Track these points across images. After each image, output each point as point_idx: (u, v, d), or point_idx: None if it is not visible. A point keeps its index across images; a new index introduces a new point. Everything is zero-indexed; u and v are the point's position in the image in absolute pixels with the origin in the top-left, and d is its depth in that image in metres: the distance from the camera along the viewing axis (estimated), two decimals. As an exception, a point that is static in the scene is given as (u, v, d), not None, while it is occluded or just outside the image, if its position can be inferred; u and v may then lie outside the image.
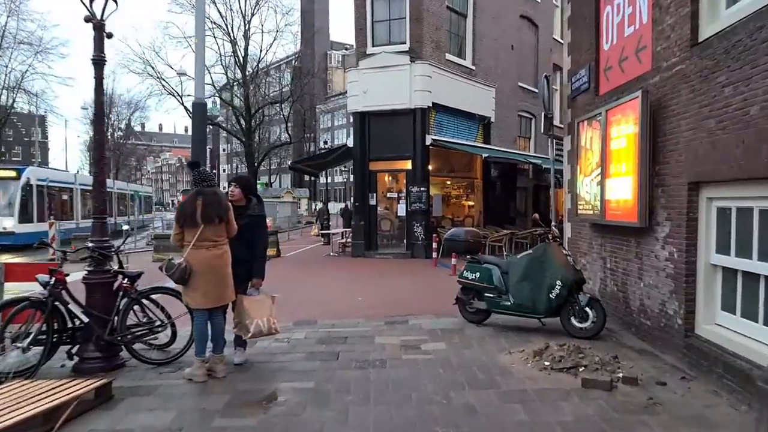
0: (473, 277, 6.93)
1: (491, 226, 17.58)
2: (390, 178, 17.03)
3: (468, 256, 7.40)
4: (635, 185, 5.63)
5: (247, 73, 37.24)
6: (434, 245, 13.83)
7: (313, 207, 56.47)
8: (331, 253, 16.75)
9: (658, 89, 5.48)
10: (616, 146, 6.10)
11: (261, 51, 38.20)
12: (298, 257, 16.90)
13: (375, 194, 15.79)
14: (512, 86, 19.58)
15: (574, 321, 6.10)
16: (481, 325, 6.82)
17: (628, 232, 6.10)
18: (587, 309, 6.03)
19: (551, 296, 6.11)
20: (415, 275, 12.11)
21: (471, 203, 19.12)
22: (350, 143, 15.81)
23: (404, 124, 15.38)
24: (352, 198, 16.07)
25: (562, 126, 24.67)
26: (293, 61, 49.22)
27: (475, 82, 17.04)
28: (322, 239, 20.77)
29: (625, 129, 5.89)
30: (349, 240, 16.28)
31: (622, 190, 5.94)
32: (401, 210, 15.70)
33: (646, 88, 5.57)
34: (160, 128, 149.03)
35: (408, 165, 15.43)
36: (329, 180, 69.68)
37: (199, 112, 8.60)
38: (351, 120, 15.74)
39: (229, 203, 5.03)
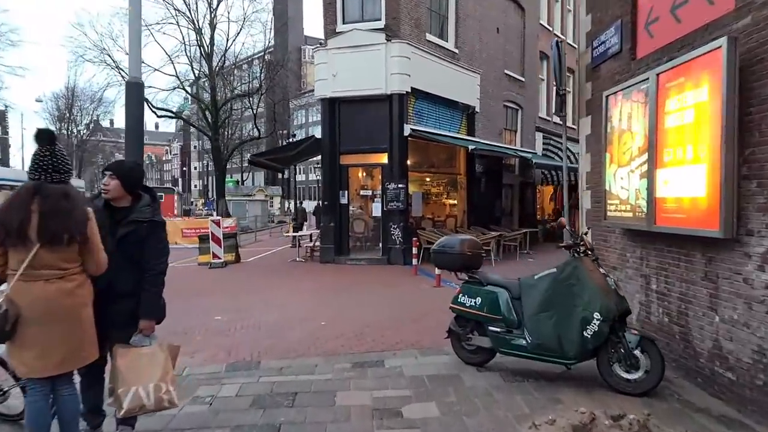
0: (472, 304, 5.16)
1: (476, 227, 15.87)
2: (364, 173, 15.15)
3: (465, 274, 5.59)
4: (713, 177, 3.87)
5: (213, 64, 34.95)
6: (414, 250, 12.00)
7: (287, 206, 54.26)
8: (298, 259, 14.82)
9: (748, 37, 3.74)
10: (675, 122, 4.34)
11: (228, 40, 35.75)
12: (259, 263, 14.91)
13: (346, 192, 13.91)
14: (498, 74, 17.89)
15: (618, 370, 4.33)
16: (483, 369, 5.03)
17: (692, 242, 4.35)
18: (637, 353, 4.26)
19: (586, 334, 4.33)
20: (393, 287, 10.27)
21: (453, 202, 17.36)
22: (319, 134, 13.90)
23: (379, 112, 13.54)
24: (321, 196, 14.23)
25: (548, 118, 23.18)
26: (264, 55, 46.93)
27: (458, 67, 15.27)
28: (292, 241, 18.77)
29: (692, 97, 4.13)
30: (317, 243, 14.36)
31: (688, 184, 4.18)
32: (376, 210, 13.85)
33: (732, 35, 3.82)
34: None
35: (384, 159, 13.59)
36: (306, 177, 67.65)
37: (133, 93, 6.58)
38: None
39: (89, 212, 3.07)
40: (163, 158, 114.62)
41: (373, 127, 13.59)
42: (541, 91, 21.30)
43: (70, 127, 67.44)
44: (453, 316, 5.40)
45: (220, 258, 13.93)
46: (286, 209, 53.77)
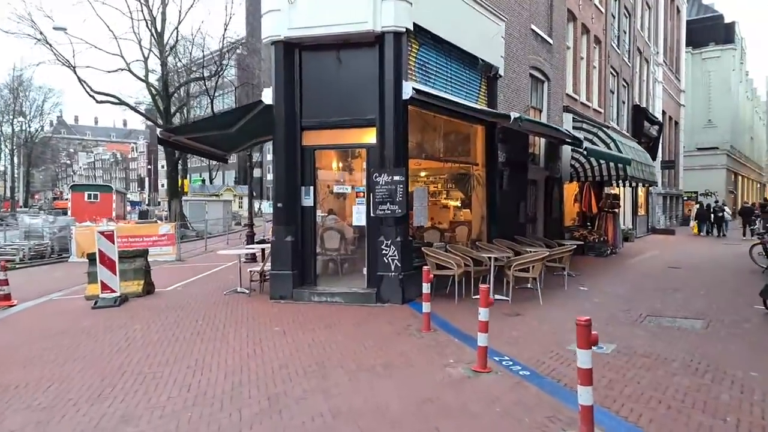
0: None
1: (500, 240, 11.08)
2: (339, 160, 10.27)
3: None
4: None
5: (165, 41, 29.66)
6: (425, 286, 7.07)
7: (258, 207, 48.97)
8: (239, 290, 9.81)
9: None
10: None
11: (180, 12, 30.49)
12: (179, 297, 9.84)
13: (313, 188, 9.00)
14: (523, 29, 13.17)
15: None
16: None
17: None
18: None
19: None
20: (389, 373, 5.37)
21: (467, 203, 12.57)
22: (267, 98, 8.95)
23: (363, 63, 8.70)
24: (272, 195, 9.28)
25: (575, 96, 18.32)
26: (238, 48, 41.62)
27: (480, 5, 10.46)
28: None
29: None
30: (267, 267, 9.39)
31: None
32: (359, 216, 8.97)
33: None
34: (96, 122, 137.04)
35: (370, 137, 8.73)
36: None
37: None
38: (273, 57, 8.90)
39: None
40: (129, 156, 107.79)
41: (354, 88, 8.73)
42: (568, 62, 16.63)
43: (15, 121, 61.13)
44: None
45: (113, 290, 8.87)
46: (257, 211, 48.45)
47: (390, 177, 8.47)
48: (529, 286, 9.79)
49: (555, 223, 15.59)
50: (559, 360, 5.53)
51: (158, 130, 9.23)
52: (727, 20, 42.32)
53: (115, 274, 8.91)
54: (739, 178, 48.14)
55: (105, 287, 8.86)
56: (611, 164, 15.03)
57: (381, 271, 8.53)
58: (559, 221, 15.93)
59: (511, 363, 5.42)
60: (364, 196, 8.87)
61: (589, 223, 17.70)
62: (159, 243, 17.09)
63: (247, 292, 9.62)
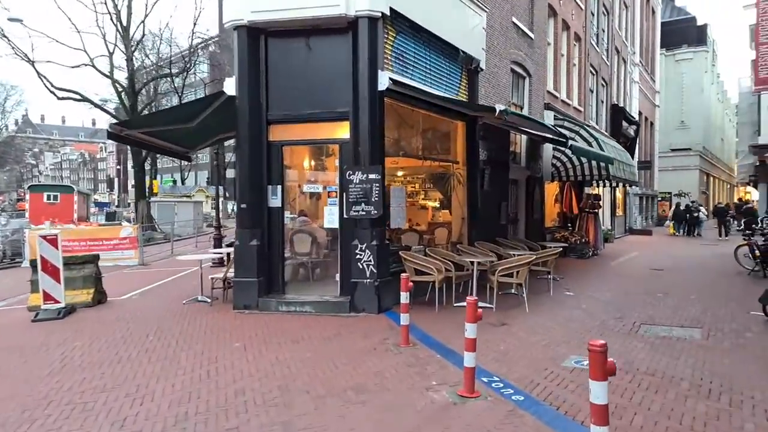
0: None
1: (481, 243, 10.48)
2: (310, 157, 9.55)
3: None
4: None
5: (131, 35, 28.39)
6: (403, 295, 6.35)
7: (231, 208, 47.68)
8: (200, 299, 8.98)
9: None
10: None
11: (147, 6, 29.30)
12: (134, 306, 8.97)
13: (281, 188, 8.24)
14: (504, 21, 12.62)
15: None
16: None
17: None
18: None
19: None
20: (369, 394, 4.66)
21: (446, 204, 11.96)
22: (230, 89, 8.15)
23: (335, 51, 7.99)
24: (236, 195, 8.45)
25: (556, 93, 17.75)
26: (210, 45, 40.31)
27: (459, -6, 9.85)
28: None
29: None
30: (230, 274, 8.57)
31: None
32: (331, 218, 8.24)
33: None
34: (63, 121, 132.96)
35: (343, 131, 8.01)
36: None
37: None
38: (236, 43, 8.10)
39: None
40: (97, 156, 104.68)
41: (326, 78, 8.01)
42: (548, 58, 16.17)
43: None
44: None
45: (56, 301, 7.97)
46: (230, 212, 47.22)
47: (365, 175, 7.77)
48: (513, 291, 9.21)
49: (536, 224, 15.09)
50: (555, 380, 4.90)
51: (108, 123, 8.31)
52: (699, 23, 42.77)
53: (59, 283, 8.00)
54: (711, 178, 48.78)
55: (47, 297, 7.95)
56: (593, 163, 14.61)
57: (355, 278, 7.82)
58: (540, 222, 15.45)
59: (501, 385, 4.77)
60: (336, 196, 8.15)
61: (569, 224, 17.29)
62: (120, 246, 16.07)
63: (209, 301, 8.79)
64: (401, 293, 6.12)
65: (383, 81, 7.73)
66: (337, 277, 8.15)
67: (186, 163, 57.38)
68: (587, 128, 15.23)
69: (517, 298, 8.79)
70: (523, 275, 8.20)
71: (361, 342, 6.31)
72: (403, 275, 6.17)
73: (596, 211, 17.03)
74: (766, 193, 30.47)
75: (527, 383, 4.81)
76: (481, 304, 8.22)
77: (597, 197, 17.47)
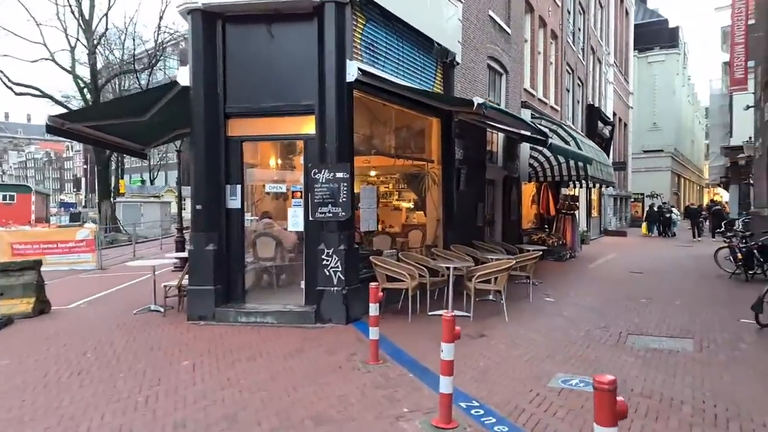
0: None
1: (457, 246, 9.95)
2: (274, 154, 8.88)
3: None
4: None
5: (93, 28, 27.13)
6: (373, 308, 5.70)
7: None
8: (153, 308, 8.20)
9: None
10: None
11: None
12: (79, 317, 8.15)
13: (240, 187, 7.54)
14: (481, 14, 12.11)
15: None
16: None
17: None
18: None
19: None
20: (331, 425, 4.02)
21: (416, 205, 11.41)
22: (184, 79, 7.42)
23: (300, 39, 7.34)
24: (191, 196, 7.71)
25: (533, 92, 17.21)
26: (181, 42, 39.04)
27: (434, -17, 9.29)
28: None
29: None
30: (185, 282, 7.80)
31: None
32: (295, 220, 7.58)
33: None
34: (29, 119, 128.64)
35: (309, 126, 7.36)
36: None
37: None
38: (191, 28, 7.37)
39: None
40: (64, 155, 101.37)
41: (290, 68, 7.36)
42: (525, 55, 15.76)
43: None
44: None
45: (-13, 315, 7.13)
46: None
47: (332, 174, 7.13)
48: (491, 298, 8.70)
49: (513, 226, 14.65)
50: (542, 405, 4.34)
51: (47, 115, 7.50)
52: (671, 25, 43.26)
53: (-11, 293, 7.16)
54: (682, 180, 49.45)
55: (-25, 310, 7.10)
56: (571, 164, 14.23)
57: (321, 285, 7.18)
58: (517, 224, 15.01)
59: (481, 412, 4.19)
60: (302, 197, 7.49)
61: (546, 226, 16.92)
62: (77, 250, 15.10)
63: (162, 311, 8.03)
64: (370, 304, 5.50)
65: (351, 71, 7.12)
66: (302, 284, 7.50)
67: (155, 162, 55.80)
68: (565, 127, 14.88)
69: (495, 306, 8.27)
70: (503, 281, 7.67)
71: (326, 359, 5.67)
72: (373, 285, 5.55)
73: (573, 212, 16.70)
74: (737, 194, 30.89)
75: (511, 409, 4.24)
76: (457, 312, 7.69)
77: (574, 198, 17.15)
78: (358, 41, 7.62)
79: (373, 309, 5.48)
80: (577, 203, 17.22)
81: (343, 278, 7.11)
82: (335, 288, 7.12)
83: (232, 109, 7.45)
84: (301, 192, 7.49)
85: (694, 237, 25.44)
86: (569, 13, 19.99)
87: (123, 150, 10.31)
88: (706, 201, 52.25)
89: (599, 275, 12.58)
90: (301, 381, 4.98)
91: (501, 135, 13.73)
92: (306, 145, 7.45)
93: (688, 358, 5.64)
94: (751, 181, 24.01)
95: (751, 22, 18.52)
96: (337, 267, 7.12)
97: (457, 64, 10.26)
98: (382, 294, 5.67)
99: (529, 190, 16.80)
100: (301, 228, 7.50)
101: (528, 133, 10.05)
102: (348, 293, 7.13)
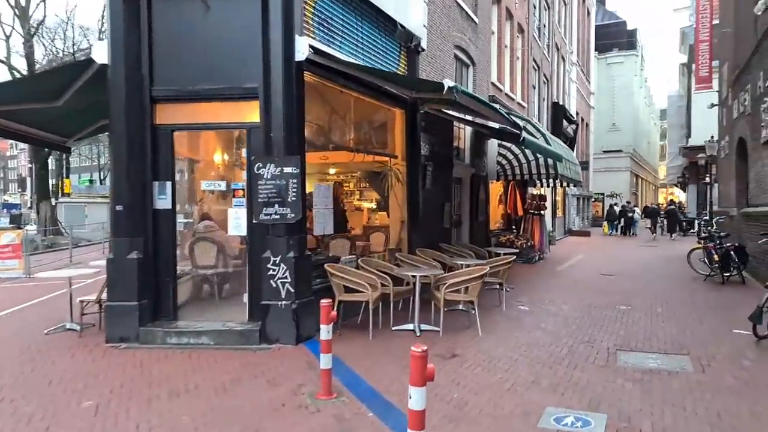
0: None
1: (423, 250, 9.06)
2: (212, 145, 7.77)
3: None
4: None
5: (30, 14, 25.10)
6: (324, 331, 4.67)
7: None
8: (69, 326, 6.94)
9: None
10: None
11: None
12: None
13: (171, 184, 6.40)
14: (448, 0, 11.23)
15: None
16: None
17: None
18: None
19: None
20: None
21: (379, 205, 10.47)
22: (101, 56, 6.23)
23: (241, 10, 6.26)
24: (111, 194, 6.56)
25: (500, 86, 16.24)
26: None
27: (397, -43, 8.35)
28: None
29: None
30: (104, 296, 6.61)
31: None
32: (237, 222, 6.49)
33: None
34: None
35: (252, 113, 6.29)
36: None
37: None
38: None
39: None
40: (8, 154, 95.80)
41: (229, 45, 6.27)
42: (492, 48, 15.04)
43: None
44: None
45: None
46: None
47: (279, 169, 6.09)
48: (461, 308, 7.83)
49: (481, 227, 13.89)
50: (535, 457, 3.44)
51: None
52: (629, 27, 43.80)
53: None
54: (640, 180, 50.25)
55: None
56: (541, 161, 13.58)
57: (267, 299, 6.13)
58: (485, 225, 14.26)
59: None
60: (244, 195, 6.42)
61: (514, 227, 16.27)
62: (1, 256, 13.54)
63: (79, 329, 6.79)
64: (321, 326, 4.50)
65: (301, 49, 6.10)
66: (245, 298, 6.43)
67: (104, 160, 52.94)
68: (533, 123, 14.23)
69: (466, 317, 7.40)
70: (476, 291, 6.79)
71: (268, 393, 4.64)
72: (324, 302, 4.54)
73: (542, 212, 16.09)
74: (695, 194, 31.28)
75: (497, 465, 3.32)
76: (424, 327, 6.79)
77: (542, 198, 16.54)
78: (310, 16, 6.60)
79: (325, 332, 4.49)
80: (545, 203, 16.62)
81: (292, 290, 6.08)
82: (283, 302, 6.09)
83: (161, 93, 6.31)
84: (243, 190, 6.42)
85: (652, 236, 25.78)
86: (535, 8, 19.45)
87: (42, 143, 8.97)
88: (661, 201, 53.45)
89: (571, 279, 11.92)
90: (231, 427, 3.94)
91: (468, 130, 12.94)
92: (249, 135, 6.38)
93: (693, 382, 4.87)
94: (709, 181, 24.21)
95: (715, 22, 18.42)
96: (286, 277, 6.09)
97: (423, 50, 9.37)
98: (335, 314, 4.68)
99: (496, 189, 16.11)
100: (243, 232, 6.43)
101: (497, 126, 9.24)
102: (298, 308, 6.11)
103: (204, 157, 7.82)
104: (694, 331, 6.81)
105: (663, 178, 58.09)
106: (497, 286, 8.55)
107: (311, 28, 6.63)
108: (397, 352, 5.78)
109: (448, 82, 5.66)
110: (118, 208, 6.22)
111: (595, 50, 37.69)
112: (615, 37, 41.74)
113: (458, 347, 6.04)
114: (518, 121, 8.24)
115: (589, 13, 33.27)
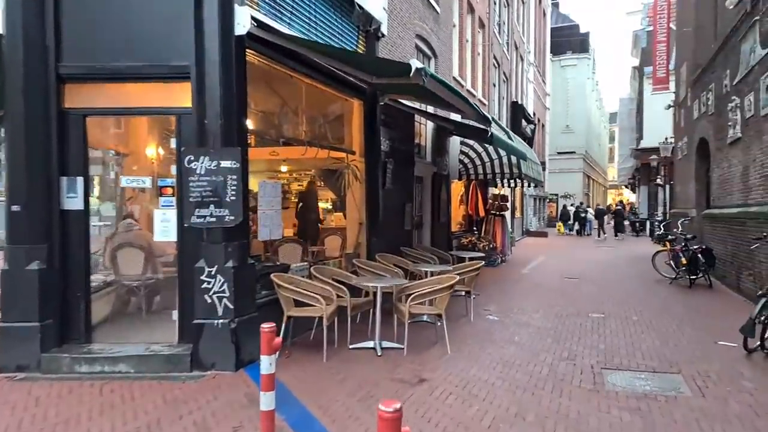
0: None
1: (384, 255, 8.25)
2: (138, 136, 6.71)
3: None
4: None
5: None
6: (267, 353, 3.76)
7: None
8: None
9: None
10: None
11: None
12: None
13: (83, 180, 5.33)
14: (409, -15, 10.49)
15: None
16: None
17: None
18: None
19: None
20: None
21: (334, 205, 9.59)
22: (-5, 23, 5.15)
23: (169, -27, 5.26)
24: (5, 192, 5.48)
25: (462, 81, 15.37)
26: None
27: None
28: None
29: None
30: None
31: None
32: (165, 226, 5.47)
33: None
34: None
35: (183, 96, 5.28)
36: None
37: None
38: None
39: None
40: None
41: (154, 13, 5.25)
42: (454, 42, 14.40)
43: None
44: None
45: None
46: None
47: (215, 162, 5.13)
48: (425, 318, 7.05)
49: (443, 229, 13.21)
50: None
51: None
52: (581, 30, 44.47)
53: None
54: (591, 181, 51.22)
55: None
56: (504, 160, 13.05)
57: (201, 317, 5.16)
58: (447, 227, 13.59)
59: None
60: (173, 194, 5.42)
61: (475, 228, 15.69)
62: None
63: (-31, 357, 5.61)
64: (262, 357, 3.60)
65: (242, 20, 5.16)
66: (174, 315, 5.42)
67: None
68: (497, 120, 13.65)
69: (433, 329, 6.66)
70: (444, 303, 6.03)
71: (195, 441, 3.70)
72: (265, 327, 3.63)
73: (504, 213, 15.58)
74: (647, 195, 31.85)
75: None
76: (386, 344, 5.95)
77: (504, 198, 16.05)
78: (254, -15, 5.67)
79: (266, 364, 3.58)
80: (507, 203, 16.14)
81: (231, 306, 5.14)
82: (220, 320, 5.13)
83: (70, 70, 5.23)
84: (172, 187, 5.42)
85: (599, 236, 26.12)
86: (495, 4, 18.99)
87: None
88: (609, 201, 54.74)
89: (536, 283, 11.38)
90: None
91: (430, 126, 12.24)
92: (179, 123, 5.37)
93: (695, 409, 4.25)
94: (661, 182, 24.55)
95: (672, 26, 18.45)
96: (223, 291, 5.14)
97: (383, 35, 8.55)
98: (280, 340, 3.77)
99: (457, 189, 15.49)
100: (173, 237, 5.42)
101: (463, 121, 8.53)
102: (238, 327, 5.17)
103: (127, 149, 6.72)
104: (677, 343, 6.27)
105: (612, 179, 59.59)
106: (463, 293, 7.84)
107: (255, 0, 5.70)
108: (356, 377, 4.95)
109: (415, 63, 4.85)
110: (15, 208, 5.10)
111: (550, 52, 37.98)
112: (569, 40, 42.25)
113: (426, 369, 5.25)
114: (487, 115, 7.56)
115: (545, 15, 33.40)
